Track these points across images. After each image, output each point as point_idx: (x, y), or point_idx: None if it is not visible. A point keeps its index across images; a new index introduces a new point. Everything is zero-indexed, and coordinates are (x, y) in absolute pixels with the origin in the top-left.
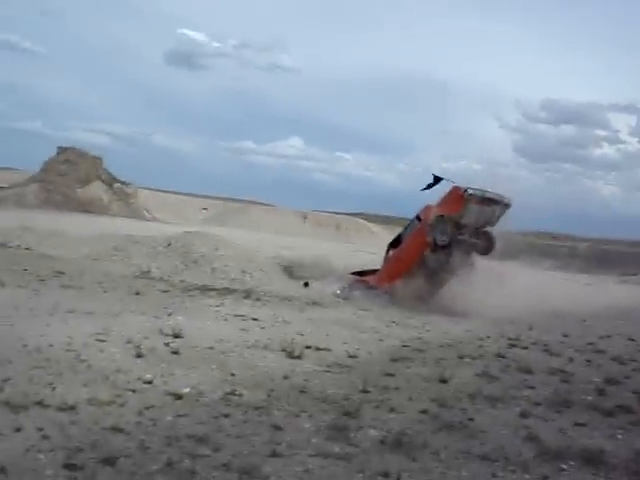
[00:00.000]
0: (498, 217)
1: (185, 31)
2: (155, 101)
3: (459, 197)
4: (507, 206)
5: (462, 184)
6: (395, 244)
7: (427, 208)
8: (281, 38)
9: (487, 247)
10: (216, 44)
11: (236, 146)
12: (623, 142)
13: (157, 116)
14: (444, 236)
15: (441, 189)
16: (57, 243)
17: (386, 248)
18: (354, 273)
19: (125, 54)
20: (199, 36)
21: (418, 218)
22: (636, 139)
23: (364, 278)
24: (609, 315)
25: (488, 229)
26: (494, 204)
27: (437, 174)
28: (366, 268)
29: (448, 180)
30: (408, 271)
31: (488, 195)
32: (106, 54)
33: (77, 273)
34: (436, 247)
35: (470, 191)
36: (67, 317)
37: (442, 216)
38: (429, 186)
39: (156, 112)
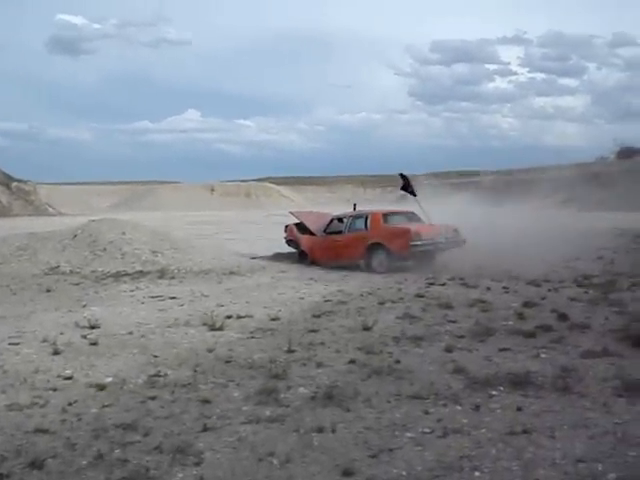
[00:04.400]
0: None
1: (62, 16)
2: (43, 93)
3: None
4: None
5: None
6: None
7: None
8: (164, 12)
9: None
10: (97, 26)
11: (132, 128)
12: (514, 73)
13: (47, 108)
14: None
15: None
16: None
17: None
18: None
19: (3, 48)
20: (78, 20)
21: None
22: (526, 69)
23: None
24: (522, 242)
25: None
26: None
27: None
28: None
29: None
30: None
31: None
32: None
33: None
34: None
35: None
36: None
37: None
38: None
39: (46, 104)
